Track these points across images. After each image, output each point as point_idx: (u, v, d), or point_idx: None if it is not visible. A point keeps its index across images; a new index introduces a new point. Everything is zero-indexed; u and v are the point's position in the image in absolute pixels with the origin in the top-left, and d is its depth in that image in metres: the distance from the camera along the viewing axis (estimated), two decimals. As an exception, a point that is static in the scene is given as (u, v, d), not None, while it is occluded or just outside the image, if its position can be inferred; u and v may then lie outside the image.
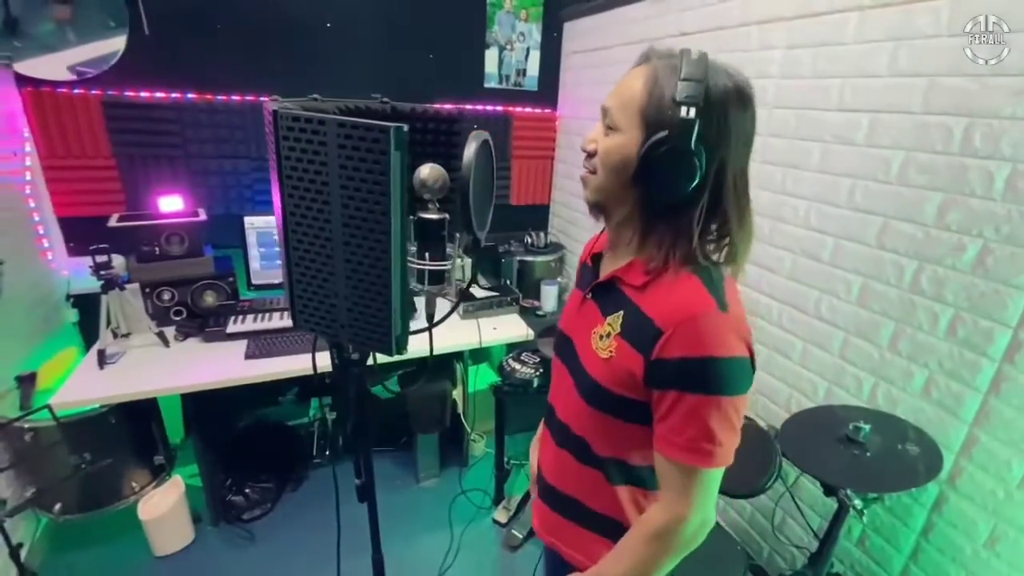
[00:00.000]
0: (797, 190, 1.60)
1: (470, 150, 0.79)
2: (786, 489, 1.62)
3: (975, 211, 1.18)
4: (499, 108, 2.83)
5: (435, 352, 2.18)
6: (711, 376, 0.69)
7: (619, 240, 0.83)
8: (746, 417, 1.77)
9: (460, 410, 2.49)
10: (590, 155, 0.78)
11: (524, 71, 2.84)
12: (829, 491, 1.30)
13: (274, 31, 2.34)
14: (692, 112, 0.66)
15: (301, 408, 2.76)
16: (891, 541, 1.43)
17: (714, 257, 0.77)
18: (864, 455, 1.25)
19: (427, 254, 0.91)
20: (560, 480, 0.94)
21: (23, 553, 1.63)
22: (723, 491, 1.51)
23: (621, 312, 0.78)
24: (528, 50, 2.81)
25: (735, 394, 0.71)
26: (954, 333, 1.25)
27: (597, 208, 0.82)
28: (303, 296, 0.69)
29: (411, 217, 0.87)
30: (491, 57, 2.75)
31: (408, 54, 2.59)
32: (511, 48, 2.77)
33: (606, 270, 0.86)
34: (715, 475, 0.75)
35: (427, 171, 0.88)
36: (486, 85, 2.79)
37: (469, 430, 2.48)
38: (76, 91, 2.15)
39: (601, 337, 0.80)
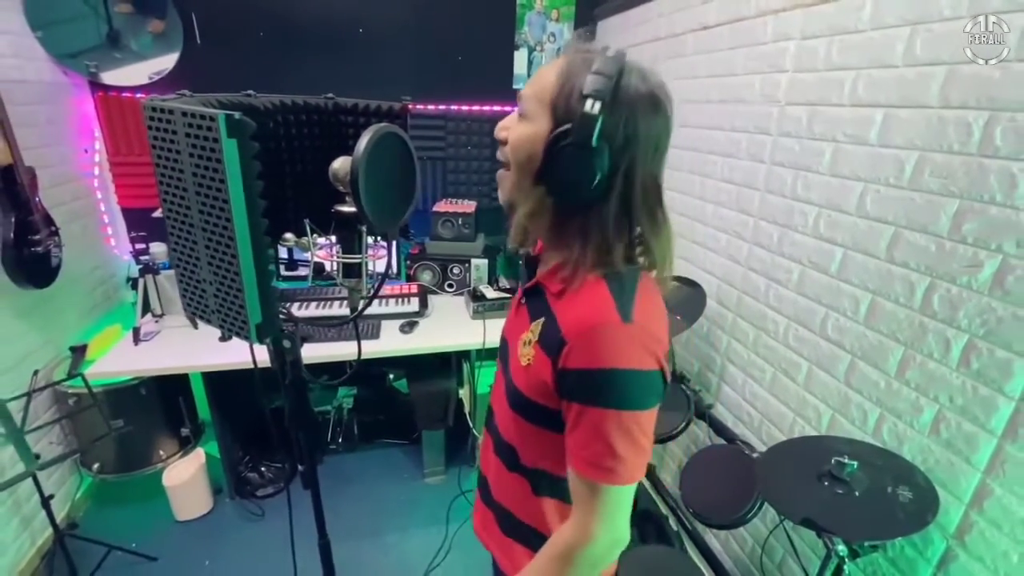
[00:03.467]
0: (807, 195, 1.44)
1: (362, 142, 0.79)
2: (780, 522, 1.46)
3: (994, 221, 1.00)
4: (527, 109, 2.80)
5: (438, 350, 2.21)
6: (608, 389, 0.66)
7: (543, 243, 0.81)
8: (747, 444, 1.63)
9: (467, 410, 2.49)
10: (502, 143, 0.76)
11: (555, 72, 2.80)
12: (818, 532, 1.16)
13: (311, 38, 2.49)
14: (596, 107, 0.63)
15: (328, 395, 2.90)
16: (893, 598, 1.25)
17: (640, 261, 0.74)
18: (850, 495, 1.10)
19: (339, 247, 0.92)
20: (496, 487, 0.93)
21: (66, 506, 1.84)
22: (701, 519, 1.40)
23: (542, 319, 0.76)
24: (559, 50, 2.77)
25: (637, 408, 0.67)
26: (967, 364, 1.07)
27: (511, 210, 0.79)
28: (182, 280, 0.72)
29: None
30: (520, 58, 2.74)
31: (437, 56, 2.64)
32: (541, 49, 2.75)
33: (539, 274, 0.83)
34: (621, 492, 0.71)
35: (339, 163, 0.89)
36: (515, 87, 2.78)
37: (474, 429, 2.48)
38: (139, 95, 2.40)
39: (524, 344, 0.78)
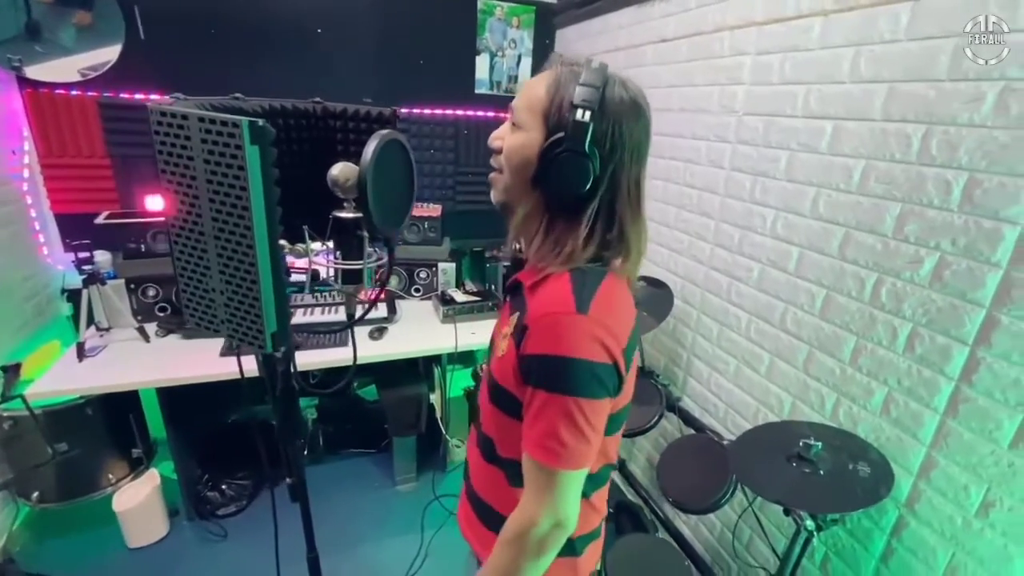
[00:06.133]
0: (765, 199, 1.56)
1: (369, 148, 0.79)
2: (748, 505, 1.57)
3: (932, 222, 1.13)
4: (490, 114, 2.83)
5: (410, 355, 2.19)
6: (557, 375, 0.69)
7: (526, 241, 0.85)
8: (715, 433, 1.73)
9: (439, 414, 2.48)
10: (496, 152, 0.81)
11: (516, 77, 2.85)
12: (787, 510, 1.25)
13: (266, 36, 2.40)
14: (587, 116, 0.69)
15: (288, 407, 2.79)
16: (851, 566, 1.36)
17: (616, 262, 0.79)
18: (816, 474, 1.20)
19: (339, 253, 0.92)
20: (475, 477, 0.96)
21: (0, 540, 1.68)
22: (680, 507, 1.48)
23: (518, 313, 0.79)
24: (520, 56, 2.82)
25: (583, 396, 0.68)
26: (912, 350, 1.19)
27: (504, 209, 0.84)
28: (186, 290, 0.70)
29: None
30: (482, 63, 2.77)
31: (398, 60, 2.63)
32: (502, 55, 2.79)
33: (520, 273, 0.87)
34: (566, 477, 0.71)
35: (338, 169, 0.89)
36: (477, 91, 2.81)
37: (446, 434, 2.47)
38: (74, 92, 2.24)
39: (503, 337, 0.82)
